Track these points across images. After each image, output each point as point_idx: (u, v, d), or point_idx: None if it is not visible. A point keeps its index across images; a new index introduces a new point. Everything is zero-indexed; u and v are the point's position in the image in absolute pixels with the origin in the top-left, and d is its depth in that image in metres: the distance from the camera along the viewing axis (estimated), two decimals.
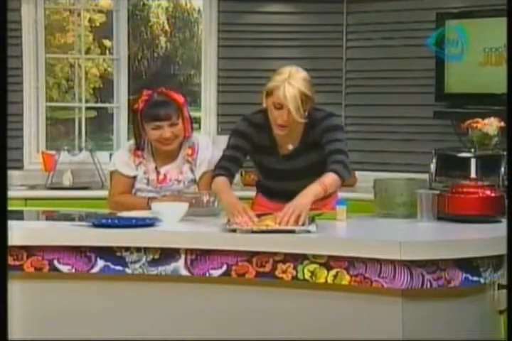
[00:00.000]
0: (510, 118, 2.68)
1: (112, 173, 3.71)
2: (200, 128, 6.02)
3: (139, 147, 3.65)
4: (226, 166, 3.40)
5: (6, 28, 2.11)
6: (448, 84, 5.30)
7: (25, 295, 2.93)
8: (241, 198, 3.70)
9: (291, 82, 3.28)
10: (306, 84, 3.33)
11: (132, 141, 3.72)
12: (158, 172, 3.63)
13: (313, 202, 3.10)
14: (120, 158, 3.70)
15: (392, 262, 2.71)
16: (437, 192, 3.27)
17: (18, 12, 5.51)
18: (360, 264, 2.74)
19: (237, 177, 5.57)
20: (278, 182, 3.54)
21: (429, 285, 2.73)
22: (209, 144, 3.68)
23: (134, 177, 3.65)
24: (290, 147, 3.49)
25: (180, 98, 3.62)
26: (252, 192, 3.87)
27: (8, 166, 2.12)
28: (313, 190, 3.12)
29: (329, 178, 3.21)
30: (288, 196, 3.16)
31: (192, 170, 3.62)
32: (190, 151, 3.64)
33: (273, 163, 3.52)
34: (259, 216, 3.16)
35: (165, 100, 3.59)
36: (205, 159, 3.61)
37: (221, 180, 3.33)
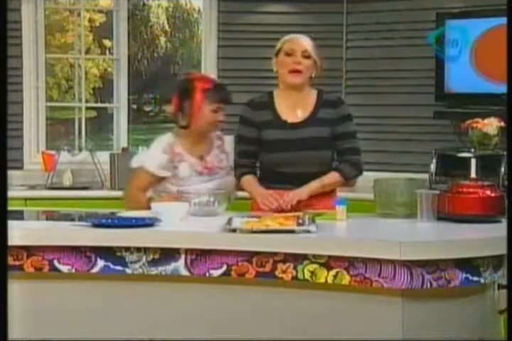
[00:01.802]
0: (510, 118, 2.68)
1: (138, 169, 3.70)
2: None
3: (187, 127, 3.67)
4: (245, 163, 3.64)
5: (6, 28, 2.11)
6: (448, 84, 5.30)
7: (25, 295, 2.93)
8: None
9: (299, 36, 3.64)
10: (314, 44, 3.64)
11: (166, 141, 3.70)
12: (205, 162, 3.70)
13: (310, 195, 3.49)
14: (154, 159, 3.67)
15: (392, 262, 2.70)
16: (437, 192, 3.27)
17: (18, 12, 5.51)
18: (360, 264, 2.74)
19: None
20: (281, 153, 3.58)
21: (429, 285, 2.73)
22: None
23: (163, 178, 3.67)
24: (295, 116, 3.59)
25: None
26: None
27: (8, 166, 2.12)
28: (311, 186, 3.51)
29: (330, 178, 3.56)
30: (289, 175, 3.52)
31: (227, 159, 3.76)
32: (220, 142, 3.81)
33: (278, 134, 3.58)
34: (259, 216, 3.18)
35: (223, 84, 3.80)
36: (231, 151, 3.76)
37: (247, 179, 3.61)
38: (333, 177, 3.56)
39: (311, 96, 3.62)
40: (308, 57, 3.56)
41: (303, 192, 3.48)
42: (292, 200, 3.42)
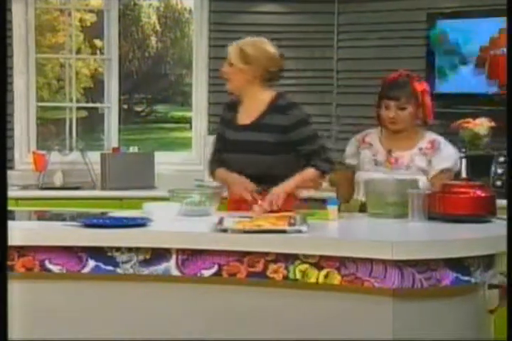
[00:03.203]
0: (510, 118, 2.67)
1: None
2: (191, 127, 6.02)
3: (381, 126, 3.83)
4: (216, 159, 3.78)
5: (5, 28, 2.11)
6: (439, 85, 5.31)
7: (16, 296, 2.91)
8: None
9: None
10: (250, 47, 3.62)
11: (365, 132, 3.93)
12: (390, 156, 3.76)
13: (289, 192, 3.51)
14: (348, 147, 3.94)
15: (384, 262, 2.71)
16: (428, 192, 3.28)
17: (9, 12, 5.49)
18: (352, 264, 2.74)
19: None
20: (229, 154, 3.69)
21: (419, 285, 2.74)
22: (448, 144, 3.83)
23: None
24: (245, 119, 3.68)
25: (420, 85, 3.80)
26: None
27: None
28: (289, 182, 3.53)
29: (306, 174, 3.57)
30: (241, 170, 3.59)
31: (427, 162, 3.73)
32: (429, 145, 3.77)
33: (230, 134, 3.70)
34: (250, 216, 3.18)
35: (404, 82, 3.79)
36: (449, 157, 3.75)
37: (218, 171, 3.74)
38: (309, 172, 3.57)
39: (264, 99, 3.65)
40: (231, 64, 3.61)
41: (277, 190, 3.48)
42: (273, 201, 3.43)
